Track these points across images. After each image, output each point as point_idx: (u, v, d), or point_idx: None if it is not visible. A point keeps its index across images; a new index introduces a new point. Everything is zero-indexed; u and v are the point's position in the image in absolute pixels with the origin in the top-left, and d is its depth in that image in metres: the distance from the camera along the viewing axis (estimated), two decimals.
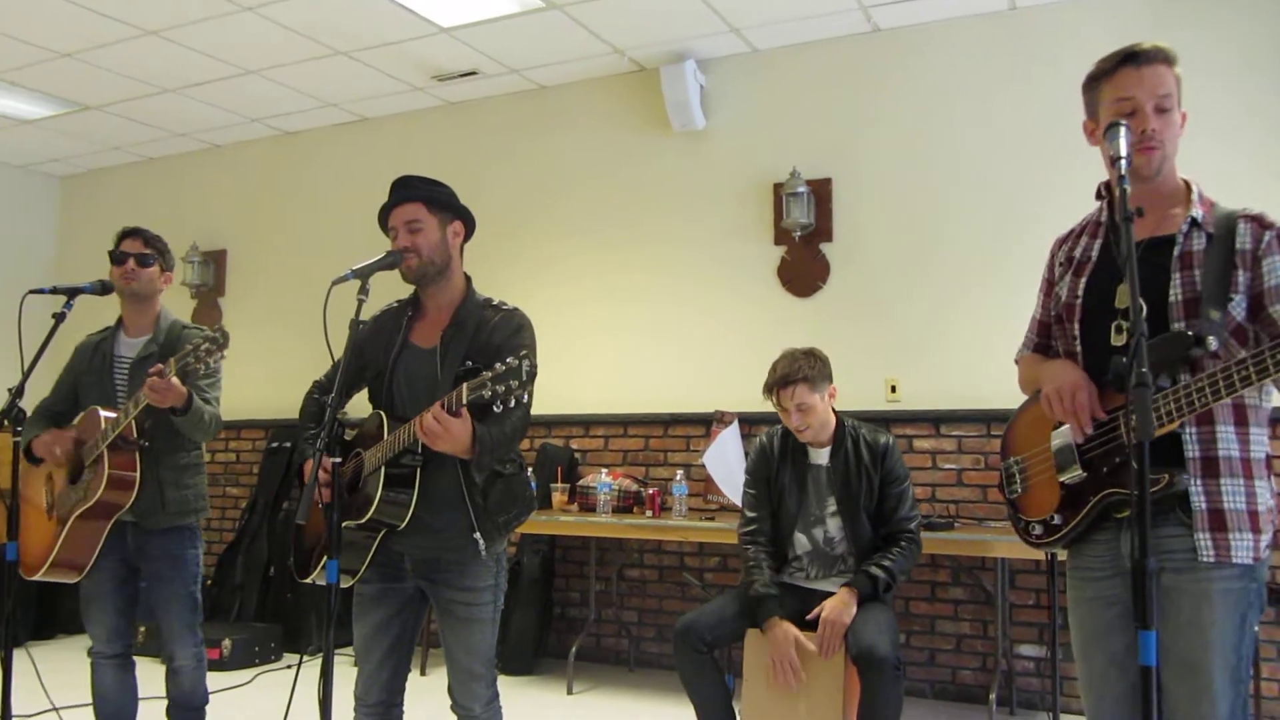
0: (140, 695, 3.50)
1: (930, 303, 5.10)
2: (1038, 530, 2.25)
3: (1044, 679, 4.69)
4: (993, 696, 4.33)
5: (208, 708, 3.53)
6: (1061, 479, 2.17)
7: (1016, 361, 2.50)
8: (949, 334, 5.04)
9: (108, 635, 3.38)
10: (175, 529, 3.34)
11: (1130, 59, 2.10)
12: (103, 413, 3.24)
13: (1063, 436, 2.17)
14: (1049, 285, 2.37)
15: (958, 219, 5.07)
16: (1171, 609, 2.00)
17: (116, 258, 3.41)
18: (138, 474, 3.23)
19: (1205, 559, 1.98)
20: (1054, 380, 2.15)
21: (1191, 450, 2.00)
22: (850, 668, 3.30)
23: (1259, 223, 2.07)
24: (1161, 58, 2.09)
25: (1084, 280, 2.20)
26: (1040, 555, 4.10)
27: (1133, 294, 1.77)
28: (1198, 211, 2.09)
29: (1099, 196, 2.29)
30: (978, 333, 4.94)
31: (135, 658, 3.48)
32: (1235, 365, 1.86)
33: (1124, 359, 1.77)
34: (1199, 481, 1.99)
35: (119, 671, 3.41)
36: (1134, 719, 1.88)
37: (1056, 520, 2.20)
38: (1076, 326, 2.20)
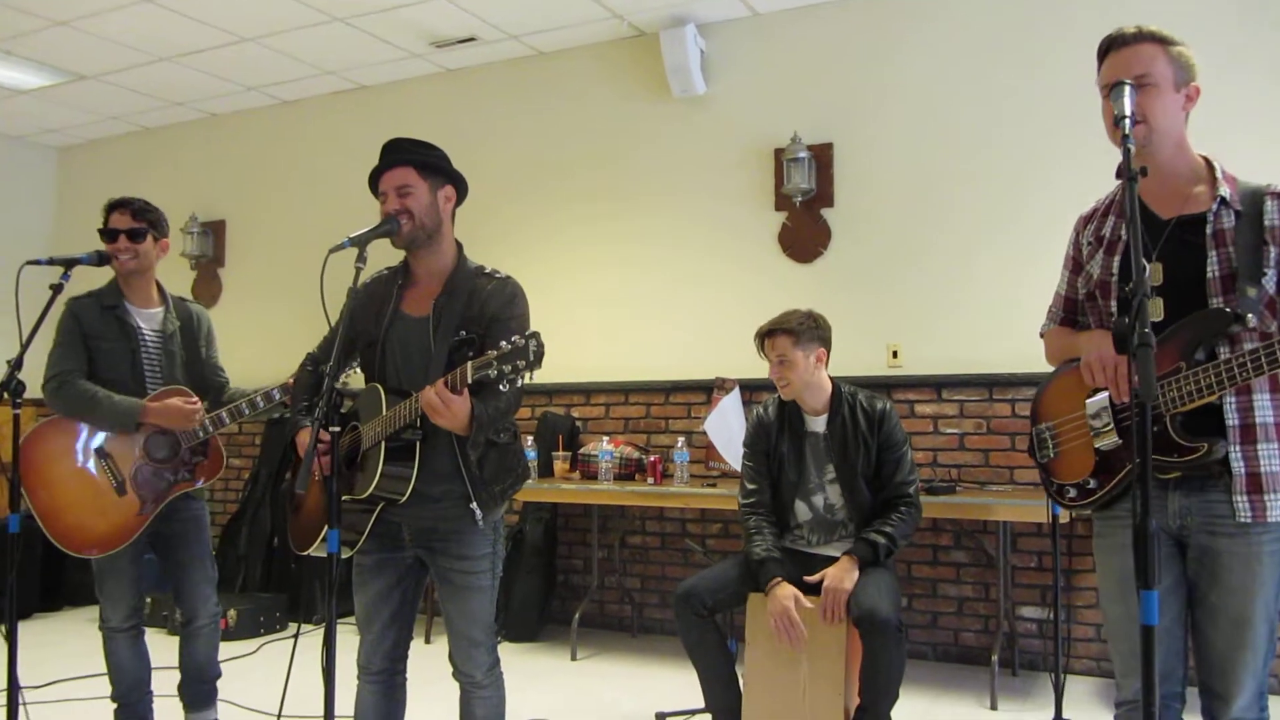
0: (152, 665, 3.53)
1: (932, 268, 5.08)
2: (1072, 493, 2.36)
3: (1046, 640, 4.71)
4: (995, 658, 4.36)
5: (219, 682, 3.57)
6: (1097, 445, 2.27)
7: (1042, 335, 2.59)
8: (950, 299, 5.02)
9: (126, 610, 3.41)
10: (189, 495, 3.43)
11: (1115, 42, 2.22)
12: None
13: (1100, 404, 2.26)
14: (1075, 263, 2.45)
15: (961, 184, 5.04)
16: (1223, 572, 2.14)
17: (108, 235, 3.39)
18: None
19: (1243, 519, 2.11)
20: (1095, 349, 2.23)
21: (1232, 419, 2.12)
22: (852, 631, 3.31)
23: None
24: (1144, 38, 2.18)
25: (1117, 259, 2.28)
26: (1037, 517, 4.12)
27: (1135, 254, 1.80)
28: (1226, 190, 2.17)
29: (1119, 175, 2.32)
30: (979, 298, 4.92)
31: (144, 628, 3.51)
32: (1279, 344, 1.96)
33: (1124, 319, 1.82)
34: (1238, 447, 2.11)
35: (133, 643, 3.44)
36: (1169, 658, 2.17)
37: (1092, 484, 2.30)
38: (1113, 303, 2.28)
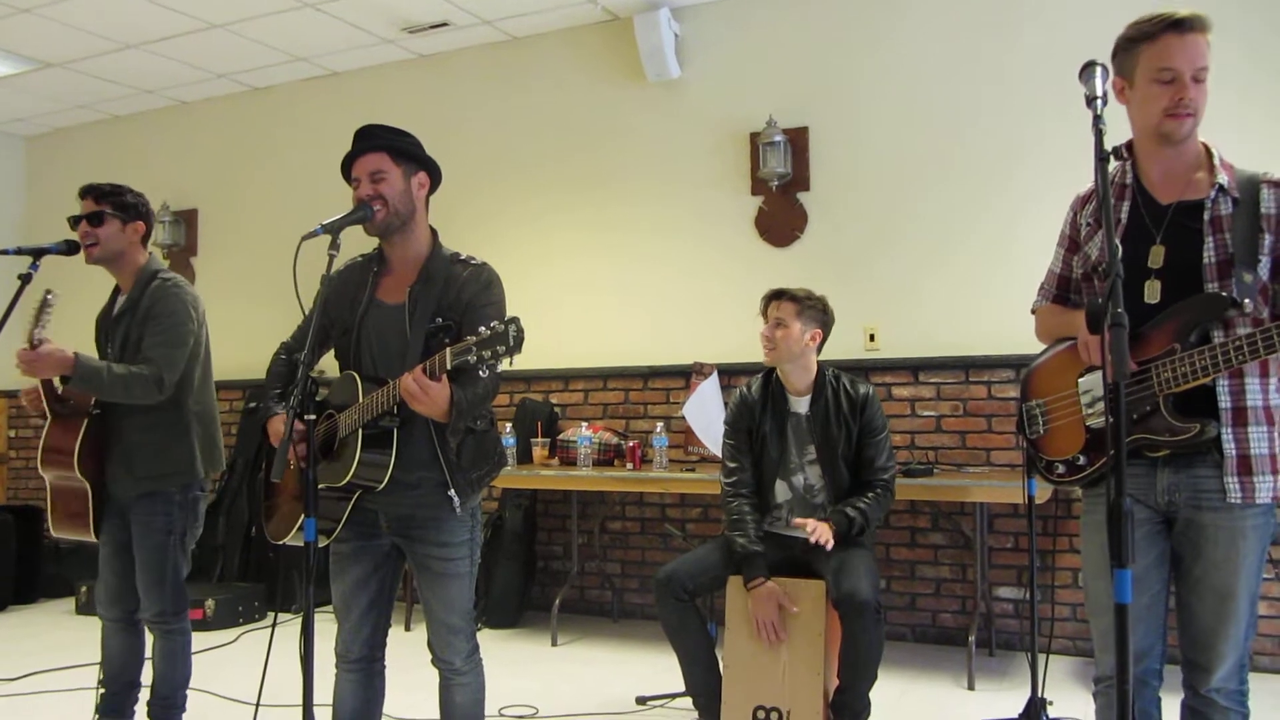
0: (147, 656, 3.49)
1: (908, 251, 5.09)
2: (1061, 469, 2.38)
3: (1023, 620, 4.75)
4: (972, 639, 4.39)
5: (189, 693, 3.45)
6: (1089, 423, 2.30)
7: (1034, 311, 2.60)
8: (927, 282, 5.04)
9: (107, 597, 3.39)
10: (150, 494, 3.27)
11: (1174, 26, 2.16)
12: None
13: (1093, 383, 2.29)
14: (1071, 242, 2.47)
15: (937, 168, 5.05)
16: (1208, 546, 2.19)
17: (72, 222, 3.32)
18: (78, 442, 3.21)
19: (1233, 499, 2.16)
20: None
21: (1225, 401, 2.15)
22: (832, 613, 3.34)
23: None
24: (1201, 26, 2.17)
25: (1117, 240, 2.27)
26: (1014, 498, 4.17)
27: (1108, 235, 1.83)
28: (1224, 178, 2.20)
29: (1119, 157, 2.37)
30: (955, 281, 4.95)
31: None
32: (1276, 328, 1.99)
33: (1099, 299, 1.84)
34: (1230, 430, 2.15)
35: (122, 635, 3.41)
36: (1149, 635, 2.24)
37: (1081, 461, 2.33)
38: None
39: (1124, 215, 2.29)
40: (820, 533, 3.35)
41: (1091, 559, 2.35)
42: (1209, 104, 2.20)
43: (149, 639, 3.41)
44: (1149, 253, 2.21)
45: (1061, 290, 2.51)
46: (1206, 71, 2.17)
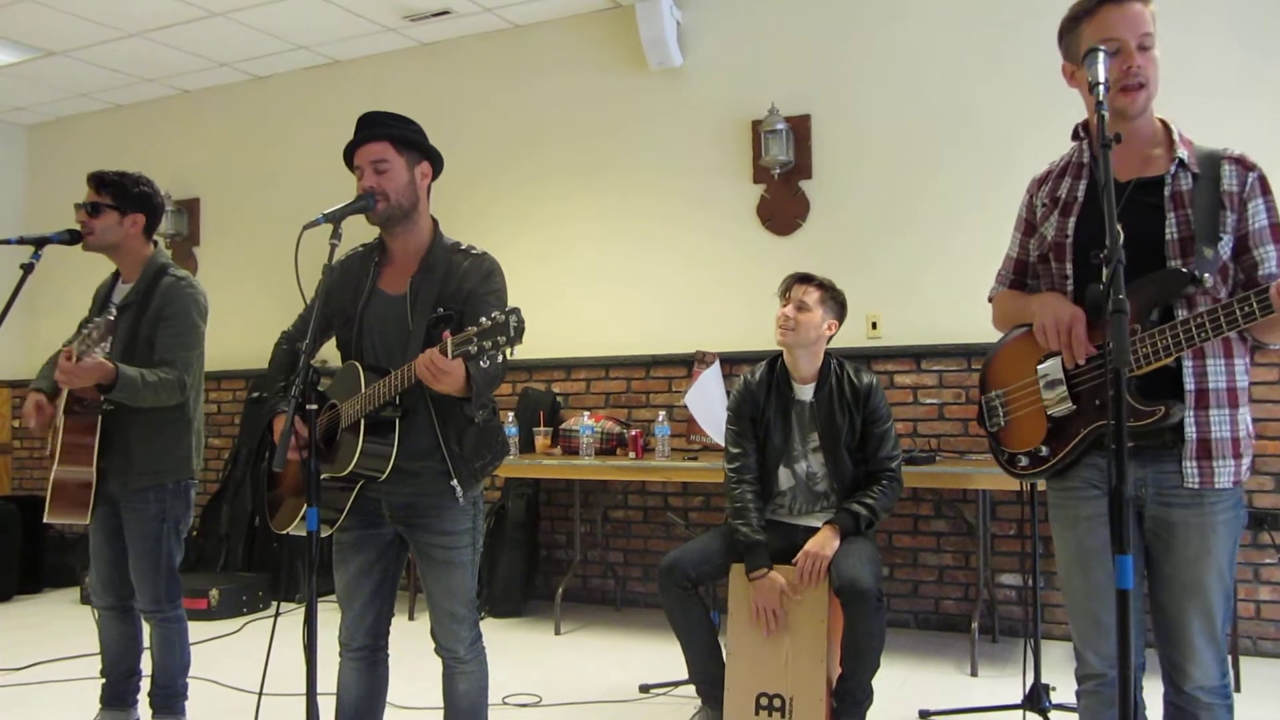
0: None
1: (911, 239, 5.08)
2: (1023, 461, 2.28)
3: (1025, 607, 4.76)
4: (974, 625, 4.40)
5: (191, 682, 3.46)
6: (1050, 412, 2.21)
7: (991, 299, 2.51)
8: (929, 270, 5.03)
9: (100, 585, 3.40)
10: (146, 488, 3.28)
11: None
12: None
13: (1052, 370, 2.20)
14: (1028, 225, 2.39)
15: (939, 155, 5.03)
16: (1179, 543, 2.11)
17: (76, 209, 3.32)
18: (96, 438, 3.21)
19: (1191, 484, 2.08)
20: (1050, 312, 2.17)
21: (1189, 383, 2.08)
22: (834, 601, 3.34)
23: (1242, 164, 2.14)
24: None
25: (1073, 220, 2.22)
26: (1017, 485, 4.16)
27: (1109, 220, 1.77)
28: (1183, 152, 2.14)
29: (1076, 136, 2.32)
30: (958, 268, 4.93)
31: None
32: (1238, 301, 1.91)
33: (1100, 286, 1.79)
34: (1193, 413, 2.07)
35: (117, 623, 3.42)
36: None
37: (1044, 451, 2.24)
38: (1068, 266, 2.22)
39: (1080, 194, 2.23)
40: (813, 566, 3.35)
41: (1066, 558, 2.26)
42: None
43: (145, 627, 3.42)
44: (1105, 232, 2.11)
45: (1019, 275, 2.43)
46: (1152, 39, 2.09)
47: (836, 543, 3.38)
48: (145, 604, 3.32)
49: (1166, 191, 2.11)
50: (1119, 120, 2.11)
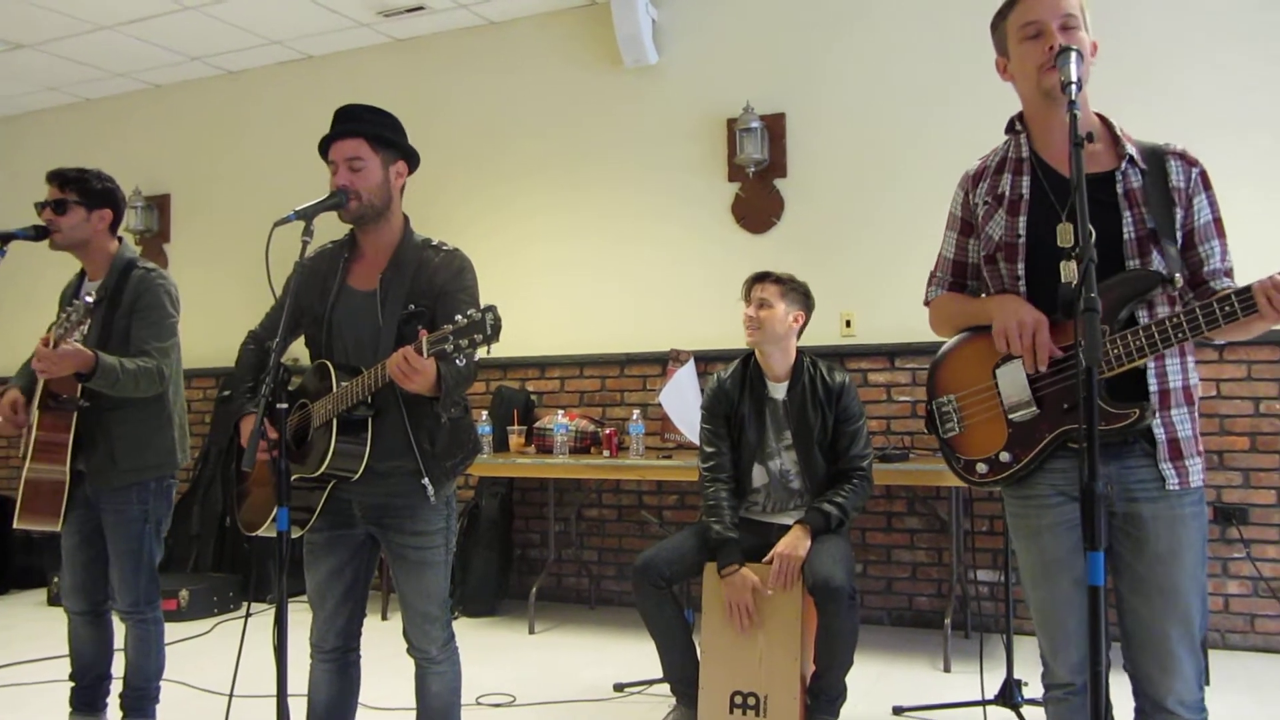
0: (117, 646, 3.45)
1: (884, 237, 5.10)
2: (983, 469, 2.20)
3: (998, 603, 4.79)
4: (948, 621, 4.42)
5: (162, 684, 3.42)
6: (1011, 416, 2.15)
7: (928, 303, 2.46)
8: (903, 268, 5.03)
9: (72, 590, 3.34)
10: (129, 486, 3.23)
11: None
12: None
13: (1013, 374, 2.14)
14: (965, 224, 2.33)
15: (912, 153, 5.05)
16: (1149, 540, 2.05)
17: (40, 208, 3.26)
18: (71, 435, 3.16)
19: (1173, 487, 2.04)
20: (1011, 316, 2.09)
21: (1153, 384, 2.05)
22: (807, 599, 3.35)
23: (1185, 160, 2.12)
24: None
25: (1023, 219, 2.16)
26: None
27: (1081, 220, 1.75)
28: (1131, 149, 2.11)
29: (1011, 129, 2.28)
30: (930, 267, 4.93)
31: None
32: (1218, 301, 1.88)
33: (1070, 285, 1.77)
34: (1158, 414, 2.04)
35: (90, 628, 3.36)
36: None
37: (1005, 458, 2.16)
38: (1020, 266, 2.16)
39: (1026, 191, 2.17)
40: (786, 569, 3.35)
41: (1029, 568, 2.19)
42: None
43: (118, 630, 3.37)
44: (1056, 231, 2.01)
45: (958, 277, 2.37)
46: (1077, 19, 2.07)
47: (808, 542, 3.39)
48: (124, 605, 3.27)
49: (1119, 189, 2.08)
50: (1048, 100, 2.09)
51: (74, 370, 3.02)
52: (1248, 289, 1.87)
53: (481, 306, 2.23)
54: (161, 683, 3.41)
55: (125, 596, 3.26)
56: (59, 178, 3.26)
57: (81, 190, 3.26)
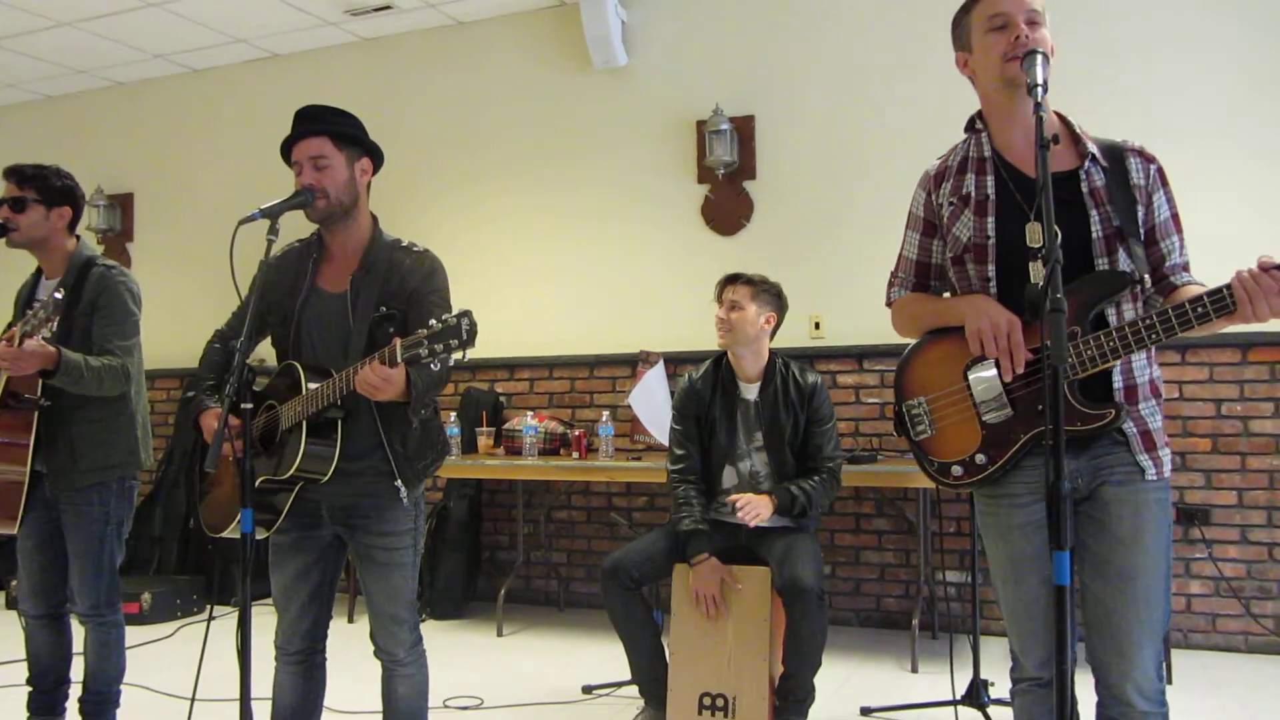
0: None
1: (853, 239, 5.12)
2: (957, 470, 2.18)
3: (965, 604, 4.82)
4: (915, 622, 4.45)
5: (123, 688, 3.35)
6: (985, 418, 2.14)
7: (890, 304, 2.45)
8: (872, 270, 5.01)
9: (30, 593, 3.27)
10: (90, 487, 3.18)
11: None
12: None
13: (985, 375, 2.13)
14: (928, 225, 2.33)
15: (881, 155, 5.08)
16: (1111, 521, 2.05)
17: None
18: (32, 436, 3.10)
19: (1151, 477, 2.05)
20: (983, 317, 2.07)
21: (1118, 381, 2.06)
22: (776, 600, 3.35)
23: (1144, 157, 2.14)
24: None
25: (991, 219, 2.16)
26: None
27: (1047, 221, 1.75)
28: (1092, 147, 2.12)
29: (971, 128, 2.28)
30: (893, 268, 4.97)
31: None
32: (1190, 304, 1.89)
33: (1038, 285, 1.78)
34: (1126, 409, 2.05)
35: (48, 632, 3.29)
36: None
37: (981, 459, 2.14)
38: (990, 267, 2.15)
39: (991, 191, 2.16)
40: (750, 509, 3.37)
41: (999, 566, 2.19)
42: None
43: (77, 633, 3.31)
44: (1025, 231, 2.06)
45: (921, 278, 2.36)
46: (1040, 15, 2.09)
47: (771, 508, 3.41)
48: (84, 608, 3.21)
49: (1084, 188, 2.09)
50: (1009, 90, 2.10)
51: (38, 368, 2.96)
52: (1218, 290, 1.86)
53: (455, 311, 2.21)
54: (122, 686, 3.35)
55: (85, 599, 3.20)
56: (17, 174, 3.20)
57: (40, 188, 3.20)
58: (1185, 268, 2.12)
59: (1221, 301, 1.87)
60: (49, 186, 3.22)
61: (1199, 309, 1.89)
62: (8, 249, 3.31)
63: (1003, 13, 2.10)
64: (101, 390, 3.11)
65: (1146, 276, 2.05)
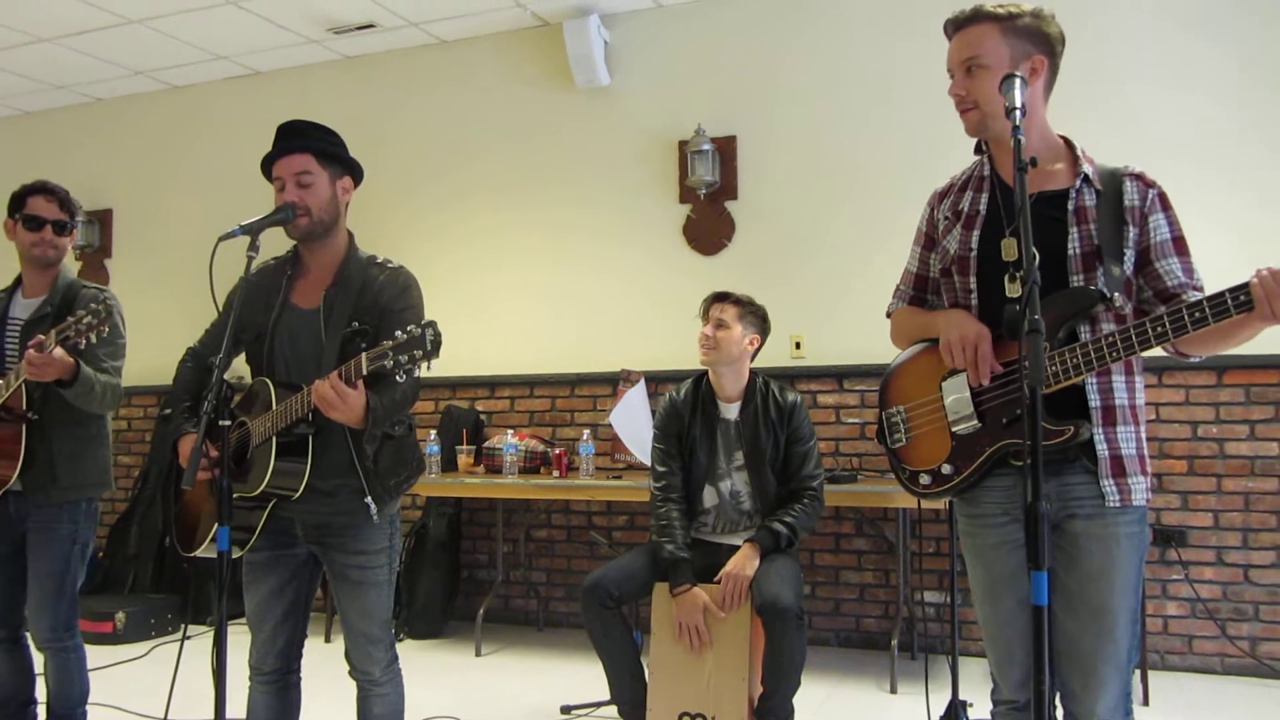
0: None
1: (834, 260, 5.15)
2: (926, 480, 2.24)
3: (944, 624, 4.82)
4: (894, 643, 4.45)
5: (93, 708, 3.31)
6: (954, 429, 2.19)
7: (889, 314, 2.51)
8: (852, 290, 5.09)
9: None
10: (60, 505, 3.14)
11: (948, 28, 2.24)
12: None
13: (957, 387, 2.18)
14: (929, 239, 2.38)
15: (862, 176, 5.11)
16: (1081, 556, 2.07)
17: (29, 221, 3.17)
18: (21, 449, 3.07)
19: (1112, 504, 2.05)
20: (955, 329, 2.14)
21: (1094, 400, 2.07)
22: (755, 619, 3.34)
23: (1143, 181, 2.16)
24: (980, 18, 2.18)
25: (976, 233, 2.21)
26: (938, 504, 4.21)
27: (1025, 242, 1.79)
28: (1088, 169, 2.15)
29: (979, 150, 2.33)
30: (880, 289, 4.88)
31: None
32: (1151, 322, 1.91)
33: (1016, 306, 1.80)
34: (1101, 430, 2.06)
35: (9, 657, 3.24)
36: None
37: (947, 470, 2.20)
38: (972, 279, 2.20)
39: (983, 208, 2.22)
40: (733, 595, 3.35)
41: (977, 586, 2.22)
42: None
43: (37, 654, 3.26)
44: (1001, 245, 2.14)
45: (919, 291, 2.42)
46: (979, 59, 2.15)
47: (756, 562, 3.39)
48: (42, 633, 3.15)
49: (1070, 206, 2.12)
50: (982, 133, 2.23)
51: (57, 377, 2.95)
52: (1238, 288, 1.85)
53: (422, 322, 2.20)
54: (91, 706, 3.31)
55: (43, 623, 3.14)
56: (54, 195, 3.21)
57: (73, 211, 3.25)
58: (1197, 288, 2.11)
59: (1179, 319, 1.88)
60: (76, 209, 3.29)
61: (1158, 327, 1.90)
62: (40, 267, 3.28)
63: (950, 68, 2.22)
64: (103, 407, 3.12)
65: (1118, 295, 2.06)
